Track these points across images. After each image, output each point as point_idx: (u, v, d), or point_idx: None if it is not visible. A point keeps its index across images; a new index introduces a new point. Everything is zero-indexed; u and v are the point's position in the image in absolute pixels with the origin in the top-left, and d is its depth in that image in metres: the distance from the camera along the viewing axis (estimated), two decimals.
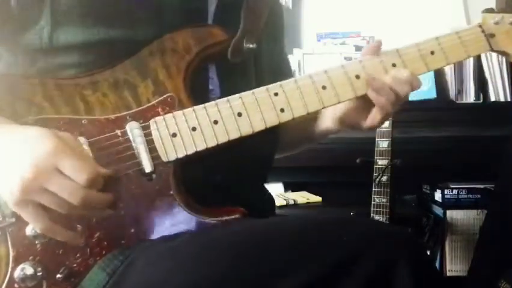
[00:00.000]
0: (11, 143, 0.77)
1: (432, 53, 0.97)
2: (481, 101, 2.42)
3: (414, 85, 0.95)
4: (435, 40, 0.98)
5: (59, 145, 0.75)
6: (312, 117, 1.10)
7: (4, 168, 0.75)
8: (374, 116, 0.96)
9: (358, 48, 2.51)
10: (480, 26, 1.00)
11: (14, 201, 0.75)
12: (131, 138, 0.85)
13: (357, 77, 0.94)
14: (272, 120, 0.89)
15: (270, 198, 1.11)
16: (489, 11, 1.02)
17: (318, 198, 2.36)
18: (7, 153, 0.76)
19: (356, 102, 0.98)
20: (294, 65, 2.47)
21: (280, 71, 1.13)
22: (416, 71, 0.96)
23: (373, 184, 2.02)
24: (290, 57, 1.23)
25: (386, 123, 1.93)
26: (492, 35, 1.00)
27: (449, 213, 2.23)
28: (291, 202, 2.30)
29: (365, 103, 0.97)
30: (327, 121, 1.08)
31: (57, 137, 0.77)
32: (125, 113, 0.86)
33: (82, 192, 0.75)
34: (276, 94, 0.90)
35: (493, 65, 2.38)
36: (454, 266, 2.23)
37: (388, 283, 0.72)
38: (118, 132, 0.85)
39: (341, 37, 2.64)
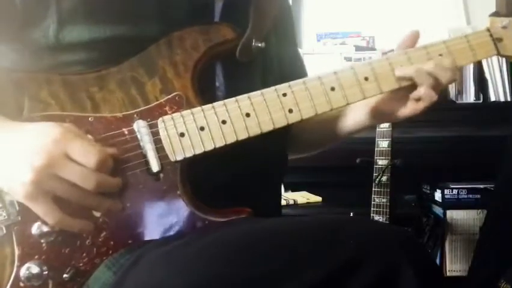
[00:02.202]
0: (17, 138, 0.77)
1: (441, 55, 0.96)
2: (481, 101, 2.43)
3: (455, 74, 0.95)
4: (443, 43, 0.97)
5: (65, 132, 0.76)
6: (338, 115, 1.09)
7: (13, 162, 0.75)
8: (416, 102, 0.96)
9: (358, 48, 2.52)
10: (488, 30, 1.00)
11: (25, 193, 0.74)
12: (138, 137, 0.84)
13: (366, 78, 0.93)
14: (281, 121, 0.89)
15: (278, 200, 1.10)
16: (496, 14, 1.02)
17: (318, 198, 2.36)
18: (14, 147, 0.76)
19: (389, 93, 0.97)
20: None
21: (292, 76, 1.11)
22: None
23: (373, 184, 2.03)
24: (298, 48, 1.23)
25: (386, 124, 1.93)
26: (500, 39, 1.00)
27: (449, 213, 2.23)
28: (291, 202, 2.30)
29: (398, 94, 0.97)
30: (359, 116, 1.06)
31: (63, 126, 0.78)
32: (132, 111, 0.85)
33: (93, 176, 0.76)
34: (284, 95, 0.89)
35: (493, 65, 2.39)
36: (454, 266, 2.23)
37: (392, 285, 0.71)
38: (125, 130, 0.84)
39: (341, 37, 2.64)
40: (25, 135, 0.77)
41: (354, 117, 1.07)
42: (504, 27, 1.00)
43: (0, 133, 0.79)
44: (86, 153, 0.76)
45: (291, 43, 1.17)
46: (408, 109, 0.98)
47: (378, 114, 1.03)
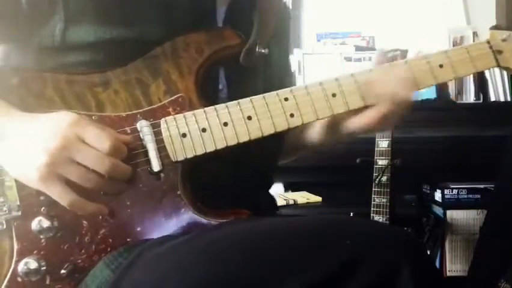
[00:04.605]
0: (31, 125, 0.78)
1: (441, 66, 0.97)
2: (481, 101, 2.43)
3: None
4: (444, 53, 0.98)
5: (79, 118, 0.78)
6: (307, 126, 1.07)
7: (26, 148, 0.76)
8: (369, 114, 0.93)
9: (358, 48, 2.52)
10: (488, 42, 1.02)
11: (40, 175, 0.75)
12: (141, 136, 0.84)
13: None
14: (282, 125, 0.90)
15: (273, 200, 1.11)
16: (497, 27, 1.04)
17: (318, 198, 2.36)
18: (28, 133, 0.77)
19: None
20: (294, 65, 2.47)
21: (285, 73, 1.13)
22: (424, 84, 0.97)
23: (373, 184, 2.03)
24: (290, 57, 1.23)
25: None
26: (499, 52, 1.01)
27: (449, 213, 2.23)
28: (291, 202, 2.30)
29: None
30: (317, 129, 1.05)
31: (76, 114, 0.80)
32: (136, 111, 0.86)
33: (106, 160, 0.77)
34: (286, 99, 0.90)
35: None
36: (454, 266, 2.23)
37: (392, 285, 0.71)
38: (128, 129, 0.85)
39: (340, 37, 2.65)
40: (39, 122, 0.78)
41: (314, 130, 1.06)
42: (504, 40, 1.01)
43: (13, 122, 0.80)
44: (100, 138, 0.77)
45: (284, 48, 1.15)
46: (365, 117, 0.94)
47: (332, 126, 1.00)
